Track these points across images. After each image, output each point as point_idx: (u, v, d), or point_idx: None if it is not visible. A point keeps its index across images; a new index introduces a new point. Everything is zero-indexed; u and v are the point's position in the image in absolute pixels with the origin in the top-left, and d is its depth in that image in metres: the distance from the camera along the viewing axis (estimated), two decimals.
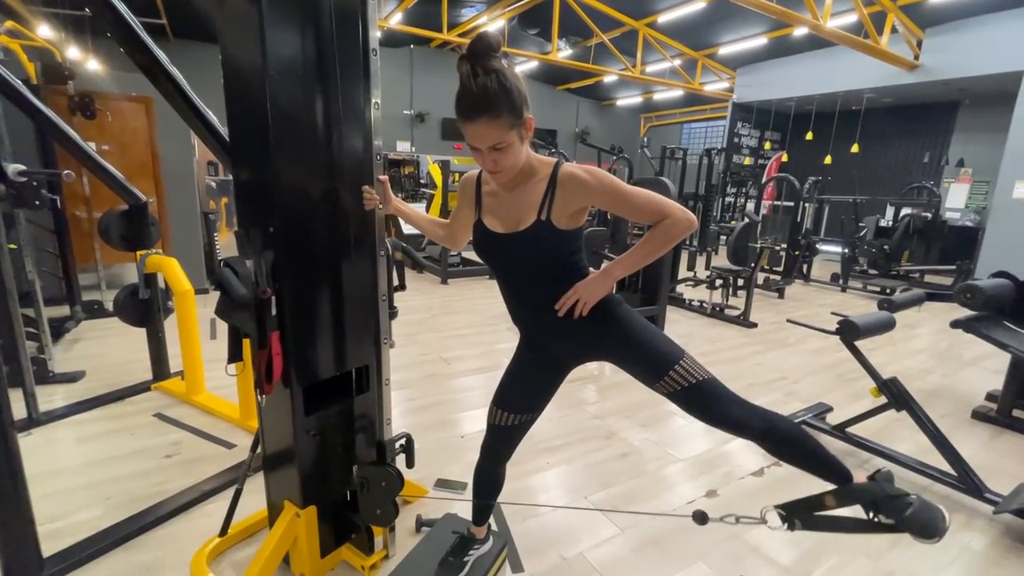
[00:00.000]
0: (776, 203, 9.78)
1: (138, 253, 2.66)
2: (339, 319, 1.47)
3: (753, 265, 4.79)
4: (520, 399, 1.35)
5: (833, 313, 2.50)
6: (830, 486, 1.19)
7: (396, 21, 8.37)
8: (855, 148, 9.04)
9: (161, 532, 1.74)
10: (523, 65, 11.45)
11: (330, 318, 1.46)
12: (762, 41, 8.89)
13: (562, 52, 9.62)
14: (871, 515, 1.15)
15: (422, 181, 10.22)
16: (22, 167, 2.36)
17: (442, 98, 11.82)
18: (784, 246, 6.48)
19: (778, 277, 6.22)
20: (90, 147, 2.49)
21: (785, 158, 10.54)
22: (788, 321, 2.82)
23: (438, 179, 6.95)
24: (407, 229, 7.34)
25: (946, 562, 1.74)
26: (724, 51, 9.67)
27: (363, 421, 1.61)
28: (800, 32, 7.82)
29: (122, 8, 1.31)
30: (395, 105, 11.45)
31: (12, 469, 1.41)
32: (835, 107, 9.72)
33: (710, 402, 1.16)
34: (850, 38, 6.61)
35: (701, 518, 1.30)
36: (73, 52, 5.18)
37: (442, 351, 3.65)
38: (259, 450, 1.63)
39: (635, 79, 10.01)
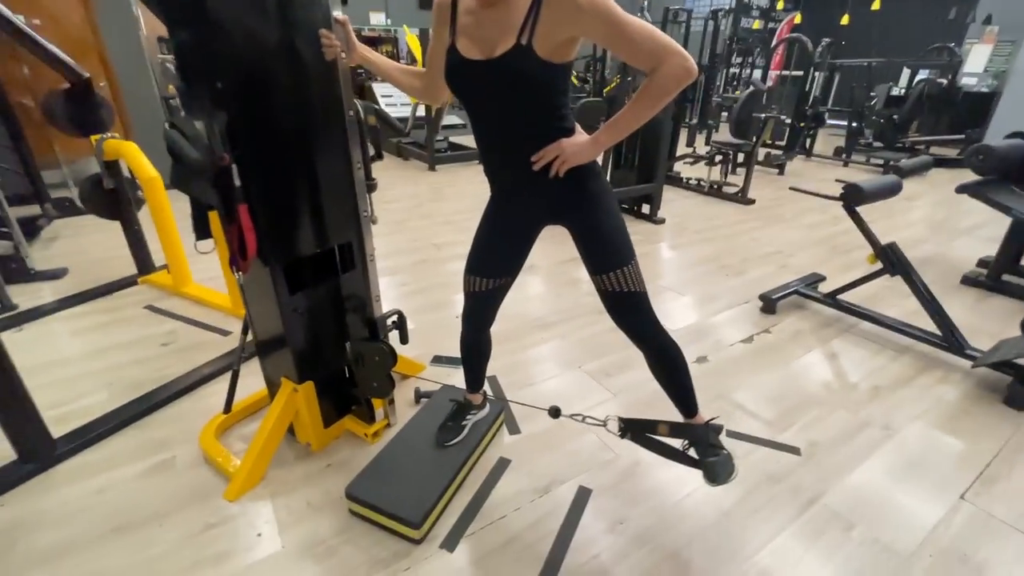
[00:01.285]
0: (784, 73, 9.11)
1: (92, 138, 2.44)
2: (313, 191, 1.36)
3: (756, 138, 4.55)
4: (492, 263, 1.31)
5: (837, 180, 2.39)
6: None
7: None
8: (876, 5, 8.18)
9: (168, 412, 1.80)
10: None
11: (303, 190, 1.34)
12: None
13: None
14: (685, 446, 1.31)
15: (401, 59, 9.36)
16: None
17: None
18: (789, 119, 6.13)
19: (779, 152, 5.97)
20: (16, 18, 2.14)
21: (798, 19, 9.59)
22: (791, 189, 2.72)
23: (417, 52, 6.32)
24: (394, 113, 6.86)
25: (919, 411, 1.83)
26: None
27: (353, 300, 1.57)
28: None
29: None
30: None
31: None
32: None
33: (633, 313, 1.20)
34: None
35: (555, 412, 1.49)
36: None
37: (432, 237, 3.57)
38: (250, 334, 1.62)
39: None
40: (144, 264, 2.81)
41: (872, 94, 6.83)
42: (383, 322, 1.54)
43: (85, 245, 3.35)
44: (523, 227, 1.26)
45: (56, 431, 1.61)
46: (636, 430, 1.36)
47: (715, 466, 1.21)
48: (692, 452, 1.29)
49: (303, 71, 1.23)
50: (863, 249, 2.28)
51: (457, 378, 1.92)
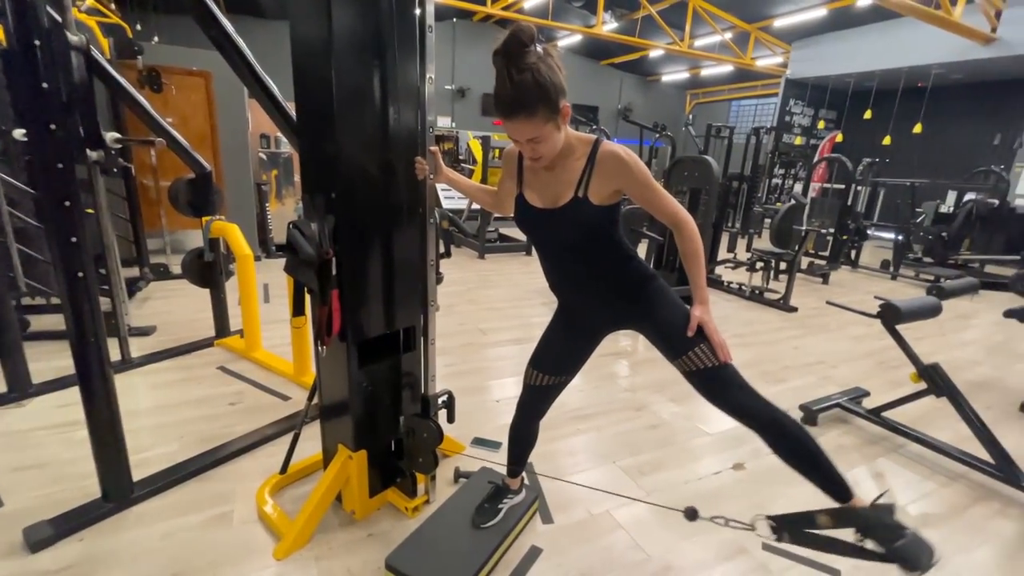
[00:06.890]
0: (826, 186, 9.38)
1: (203, 219, 2.87)
2: (390, 281, 1.59)
3: (797, 248, 4.67)
4: (554, 362, 1.46)
5: (876, 297, 2.46)
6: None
7: None
8: (918, 128, 8.51)
9: (230, 467, 1.95)
10: (566, 39, 11.22)
11: (382, 280, 1.58)
12: (821, 12, 8.41)
13: (607, 25, 9.38)
14: (859, 539, 1.13)
15: (461, 157, 10.30)
16: (118, 135, 2.57)
17: (483, 73, 11.77)
18: (831, 230, 6.25)
19: (823, 262, 6.03)
20: (162, 119, 2.67)
21: (840, 138, 10.03)
22: (828, 303, 2.79)
23: (478, 154, 7.01)
24: (447, 204, 7.47)
25: (973, 546, 1.75)
26: (780, 23, 9.20)
27: (409, 377, 1.74)
28: (863, 2, 7.36)
29: None
30: (436, 80, 11.45)
31: (110, 404, 1.61)
32: (898, 84, 9.14)
33: (723, 387, 1.20)
34: (919, 9, 6.18)
35: (691, 514, 1.29)
36: (140, 29, 5.47)
37: (478, 322, 3.77)
38: (315, 399, 1.80)
39: (683, 53, 9.68)
40: (222, 328, 3.13)
41: (919, 210, 6.92)
42: (435, 400, 1.69)
43: (172, 307, 3.75)
44: (589, 335, 1.43)
45: (134, 475, 1.79)
46: (793, 527, 1.18)
47: (907, 551, 1.04)
48: (871, 544, 1.10)
49: (397, 186, 1.52)
50: (911, 366, 2.28)
51: (494, 461, 2.01)
